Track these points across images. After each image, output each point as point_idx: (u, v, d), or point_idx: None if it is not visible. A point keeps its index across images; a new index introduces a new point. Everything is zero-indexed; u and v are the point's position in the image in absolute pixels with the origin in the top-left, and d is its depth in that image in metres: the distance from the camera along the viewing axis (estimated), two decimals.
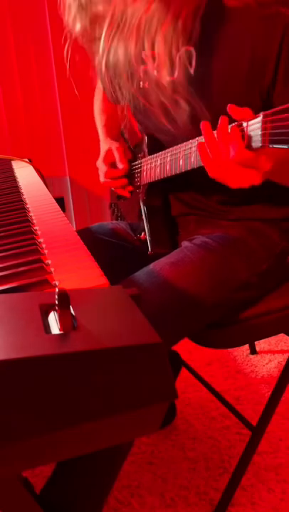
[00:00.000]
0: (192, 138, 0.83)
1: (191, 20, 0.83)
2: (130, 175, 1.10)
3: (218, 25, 0.84)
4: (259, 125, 0.66)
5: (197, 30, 0.84)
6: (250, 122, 0.68)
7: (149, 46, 0.93)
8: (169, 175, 0.92)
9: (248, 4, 0.82)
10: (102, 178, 1.10)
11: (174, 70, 0.90)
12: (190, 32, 0.84)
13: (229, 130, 0.71)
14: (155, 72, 0.93)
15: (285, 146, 0.62)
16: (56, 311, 0.39)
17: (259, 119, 0.66)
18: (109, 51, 1.00)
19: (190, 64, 0.87)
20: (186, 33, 0.84)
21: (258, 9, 0.81)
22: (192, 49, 0.85)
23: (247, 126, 0.69)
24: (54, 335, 0.37)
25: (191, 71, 0.87)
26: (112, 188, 1.15)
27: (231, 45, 0.83)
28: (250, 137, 0.69)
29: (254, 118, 0.67)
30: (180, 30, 0.83)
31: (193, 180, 0.93)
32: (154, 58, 0.93)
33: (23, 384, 0.33)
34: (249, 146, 0.69)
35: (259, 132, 0.66)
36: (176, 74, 0.90)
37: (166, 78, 0.92)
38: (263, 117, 0.65)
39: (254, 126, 0.67)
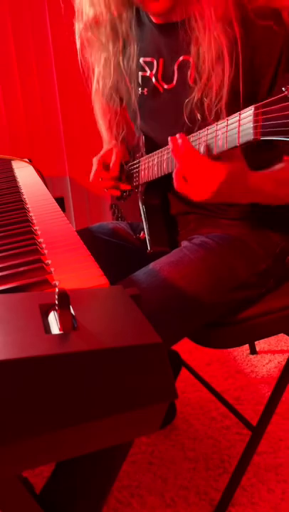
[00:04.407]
0: None
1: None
2: (129, 175, 1.10)
3: None
4: (251, 118, 0.66)
5: None
6: (242, 116, 0.68)
7: (149, 53, 0.93)
8: (166, 173, 0.92)
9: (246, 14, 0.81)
10: (91, 176, 1.11)
11: (172, 78, 0.91)
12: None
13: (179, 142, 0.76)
14: (154, 79, 0.94)
15: (275, 138, 0.62)
16: (56, 311, 0.39)
17: (250, 111, 0.66)
18: (113, 55, 1.01)
19: (188, 73, 0.87)
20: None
21: (256, 19, 0.80)
22: (190, 59, 0.86)
23: (207, 135, 0.75)
24: (54, 335, 0.37)
25: (189, 80, 0.87)
26: (105, 189, 1.15)
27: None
28: (209, 144, 0.75)
29: (245, 111, 0.67)
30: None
31: None
32: (152, 65, 0.94)
33: (23, 384, 0.33)
34: (209, 152, 0.75)
35: (251, 125, 0.66)
36: (174, 82, 0.90)
37: (163, 86, 0.93)
38: (255, 109, 0.65)
39: (246, 120, 0.67)
